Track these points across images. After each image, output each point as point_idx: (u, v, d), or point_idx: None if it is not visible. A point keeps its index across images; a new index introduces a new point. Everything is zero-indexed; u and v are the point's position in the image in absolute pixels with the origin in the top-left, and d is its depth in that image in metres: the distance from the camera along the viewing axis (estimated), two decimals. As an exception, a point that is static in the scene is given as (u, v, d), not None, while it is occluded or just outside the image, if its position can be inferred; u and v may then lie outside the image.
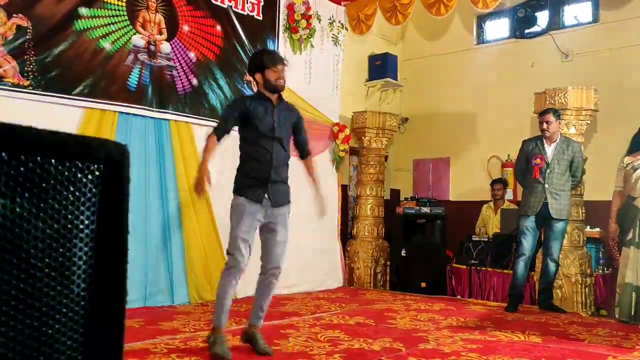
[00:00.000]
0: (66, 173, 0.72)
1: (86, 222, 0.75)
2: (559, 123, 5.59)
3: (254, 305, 3.73)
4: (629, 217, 5.21)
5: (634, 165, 5.32)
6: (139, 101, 5.33)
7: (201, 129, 5.86)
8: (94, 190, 0.75)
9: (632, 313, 4.94)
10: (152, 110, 5.43)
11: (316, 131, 6.97)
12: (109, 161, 0.76)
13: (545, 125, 5.48)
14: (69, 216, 0.73)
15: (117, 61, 5.20)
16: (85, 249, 0.75)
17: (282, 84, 3.63)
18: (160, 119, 5.51)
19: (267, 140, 3.58)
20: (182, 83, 5.69)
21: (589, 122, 6.17)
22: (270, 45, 6.59)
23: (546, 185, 5.44)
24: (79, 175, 0.74)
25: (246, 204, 3.54)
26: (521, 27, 7.80)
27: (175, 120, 5.63)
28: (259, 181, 3.56)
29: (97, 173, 0.75)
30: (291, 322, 4.74)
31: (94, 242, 0.75)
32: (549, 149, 5.51)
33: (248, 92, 6.32)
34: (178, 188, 5.60)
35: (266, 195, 3.56)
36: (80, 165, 0.74)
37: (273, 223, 3.61)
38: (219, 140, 3.62)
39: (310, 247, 6.62)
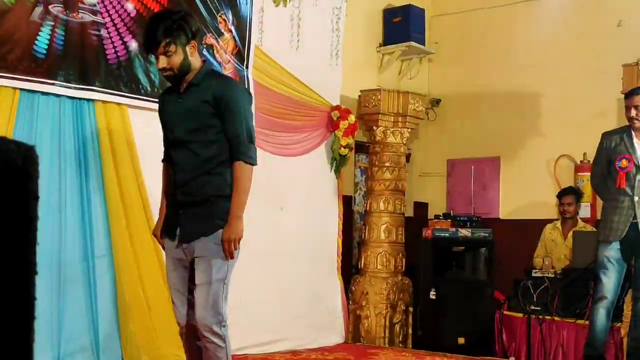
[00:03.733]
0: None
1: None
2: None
3: None
4: None
5: None
6: (50, 74, 5.30)
7: (139, 112, 5.86)
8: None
9: None
10: (70, 87, 5.41)
11: (307, 118, 6.98)
12: (7, 170, 0.75)
13: (634, 112, 5.51)
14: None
15: (19, 16, 5.18)
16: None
17: (169, 74, 3.85)
18: (81, 98, 5.49)
19: (172, 146, 3.95)
20: (114, 47, 5.67)
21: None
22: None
23: (636, 198, 5.46)
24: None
25: (165, 241, 3.96)
26: (603, -32, 7.84)
27: (102, 101, 5.61)
28: (169, 209, 3.97)
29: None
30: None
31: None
32: (639, 148, 5.53)
33: (210, 59, 6.33)
34: (106, 196, 5.57)
35: (177, 226, 3.87)
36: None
37: (194, 261, 3.84)
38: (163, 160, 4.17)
39: (297, 287, 6.61)
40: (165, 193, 4.03)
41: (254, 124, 3.99)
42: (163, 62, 3.76)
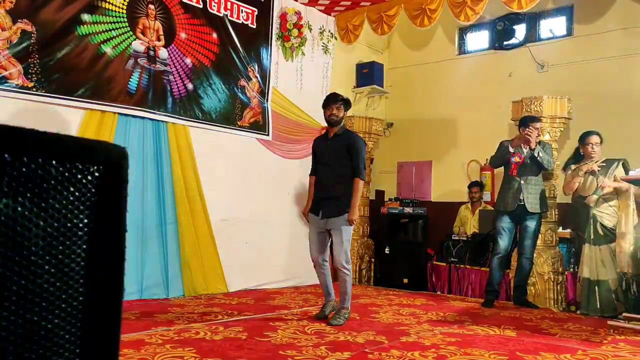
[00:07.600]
0: (66, 174, 0.71)
1: (85, 220, 0.74)
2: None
3: None
4: (583, 216, 5.31)
5: (578, 172, 5.46)
6: (138, 104, 5.29)
7: (196, 130, 5.85)
8: (93, 190, 0.74)
9: (598, 306, 5.10)
10: (151, 112, 5.39)
11: (306, 134, 6.97)
12: (108, 163, 0.75)
13: (536, 132, 5.52)
14: (69, 215, 0.72)
15: (118, 65, 5.16)
16: (84, 246, 0.74)
17: (334, 119, 4.47)
18: (158, 120, 5.48)
19: (320, 167, 4.53)
20: (177, 87, 5.66)
21: (562, 129, 6.21)
22: (263, 53, 6.58)
23: (521, 182, 5.49)
24: (79, 176, 0.73)
25: (311, 216, 4.53)
26: (500, 39, 7.83)
27: (172, 123, 5.60)
28: (317, 198, 4.51)
29: (96, 174, 0.74)
30: (280, 315, 4.73)
31: (92, 240, 0.74)
32: (526, 150, 5.56)
33: (242, 97, 6.30)
34: (174, 186, 5.57)
35: (320, 209, 4.44)
36: (80, 166, 0.73)
37: (330, 230, 4.42)
38: (311, 174, 4.74)
39: (299, 244, 6.61)
40: (312, 190, 4.59)
41: (365, 155, 4.56)
42: (335, 111, 4.42)
